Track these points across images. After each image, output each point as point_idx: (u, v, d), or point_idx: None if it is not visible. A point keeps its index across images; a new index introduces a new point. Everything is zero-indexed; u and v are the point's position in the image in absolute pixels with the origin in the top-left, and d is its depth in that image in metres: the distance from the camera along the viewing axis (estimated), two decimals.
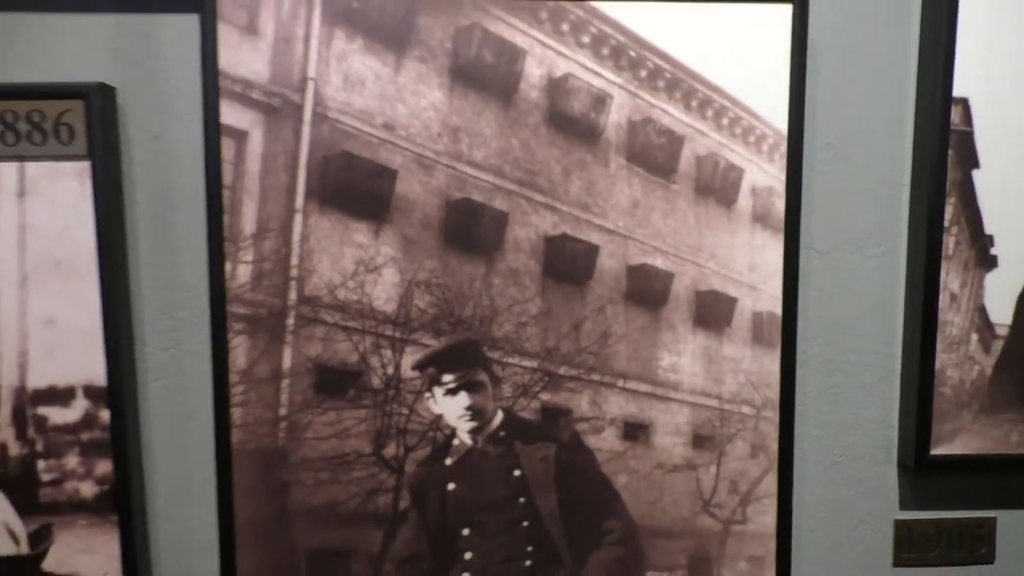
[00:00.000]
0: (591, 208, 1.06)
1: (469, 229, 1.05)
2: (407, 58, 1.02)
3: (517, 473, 1.09)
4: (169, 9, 1.02)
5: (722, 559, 1.13)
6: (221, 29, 0.99)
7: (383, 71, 1.02)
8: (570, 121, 1.05)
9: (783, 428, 1.11)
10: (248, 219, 1.02)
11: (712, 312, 1.10)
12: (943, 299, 1.10)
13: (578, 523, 1.10)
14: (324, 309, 1.04)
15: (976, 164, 1.10)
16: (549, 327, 1.07)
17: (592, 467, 1.10)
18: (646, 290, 1.08)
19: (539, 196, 1.06)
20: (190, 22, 1.03)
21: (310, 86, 1.01)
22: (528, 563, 1.10)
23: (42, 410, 1.03)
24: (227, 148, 1.01)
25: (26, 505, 1.04)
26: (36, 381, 1.03)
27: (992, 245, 1.12)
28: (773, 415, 1.11)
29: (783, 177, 1.07)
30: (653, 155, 1.07)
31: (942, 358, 1.12)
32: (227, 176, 1.01)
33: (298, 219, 1.03)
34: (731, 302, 1.10)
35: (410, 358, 1.06)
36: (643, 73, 1.05)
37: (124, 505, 1.05)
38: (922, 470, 1.14)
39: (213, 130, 1.00)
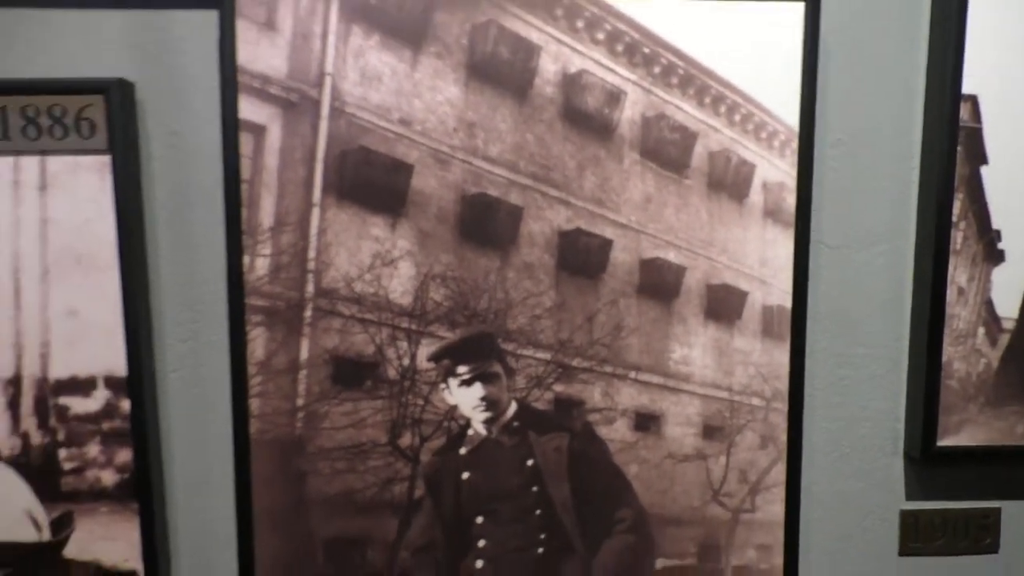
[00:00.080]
0: (605, 203, 1.08)
1: (484, 223, 1.06)
2: (424, 54, 1.03)
3: (530, 463, 1.10)
4: (188, 5, 1.03)
5: (731, 547, 1.15)
6: (239, 25, 1.00)
7: (400, 67, 1.03)
8: (584, 117, 1.06)
9: (792, 419, 1.13)
10: (266, 213, 1.03)
11: (723, 305, 1.11)
12: (951, 293, 1.12)
13: (590, 512, 1.12)
14: (341, 301, 1.05)
15: (984, 160, 1.11)
16: (563, 320, 1.09)
17: (604, 457, 1.11)
18: (658, 284, 1.10)
19: (553, 191, 1.07)
20: (209, 18, 1.03)
21: (327, 81, 1.02)
22: (541, 551, 1.12)
23: (64, 400, 1.05)
24: (245, 143, 1.02)
25: (48, 493, 1.06)
26: (58, 371, 1.04)
27: (999, 240, 1.13)
28: (782, 407, 1.13)
29: (794, 173, 1.08)
30: (666, 150, 1.08)
31: (949, 351, 1.13)
32: (245, 170, 1.02)
33: (315, 213, 1.04)
34: (742, 296, 1.11)
35: (426, 350, 1.07)
36: (657, 69, 1.06)
37: (144, 493, 1.06)
38: (928, 461, 1.15)
39: (231, 125, 1.01)
